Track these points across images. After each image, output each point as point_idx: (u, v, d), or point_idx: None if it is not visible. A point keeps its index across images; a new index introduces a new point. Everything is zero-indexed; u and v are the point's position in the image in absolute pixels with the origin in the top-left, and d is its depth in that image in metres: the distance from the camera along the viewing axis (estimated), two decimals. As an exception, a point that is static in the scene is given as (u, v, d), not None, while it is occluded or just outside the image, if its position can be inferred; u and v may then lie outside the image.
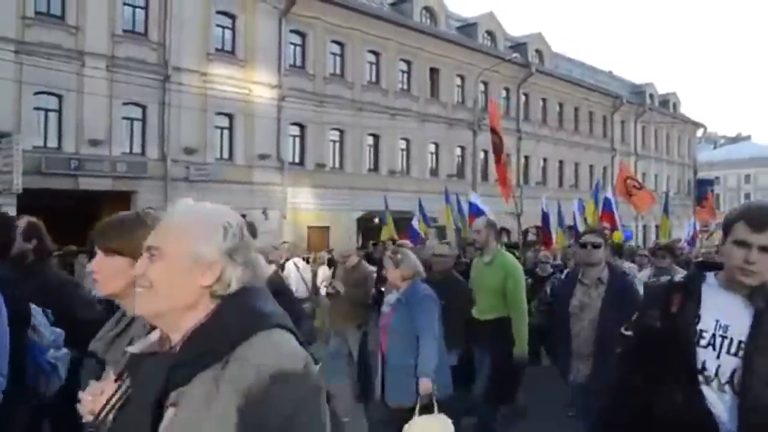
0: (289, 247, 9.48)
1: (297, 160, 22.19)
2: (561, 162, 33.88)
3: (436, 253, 5.69)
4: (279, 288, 4.73)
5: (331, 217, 22.13)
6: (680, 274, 6.12)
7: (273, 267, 4.89)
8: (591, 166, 35.27)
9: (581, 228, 13.12)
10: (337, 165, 23.48)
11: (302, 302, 7.56)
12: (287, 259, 8.49)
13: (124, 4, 17.79)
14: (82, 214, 14.74)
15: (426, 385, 3.80)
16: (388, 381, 4.00)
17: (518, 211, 12.14)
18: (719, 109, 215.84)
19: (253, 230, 7.50)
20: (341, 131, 23.43)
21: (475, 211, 14.08)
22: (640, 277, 6.22)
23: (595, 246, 4.03)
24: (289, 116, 21.55)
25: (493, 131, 11.18)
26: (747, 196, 61.54)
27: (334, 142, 23.41)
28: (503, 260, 5.17)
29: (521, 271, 5.22)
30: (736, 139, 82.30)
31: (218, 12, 19.74)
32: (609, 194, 12.99)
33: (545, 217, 13.78)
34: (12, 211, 15.63)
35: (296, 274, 7.87)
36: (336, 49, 23.32)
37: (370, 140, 24.57)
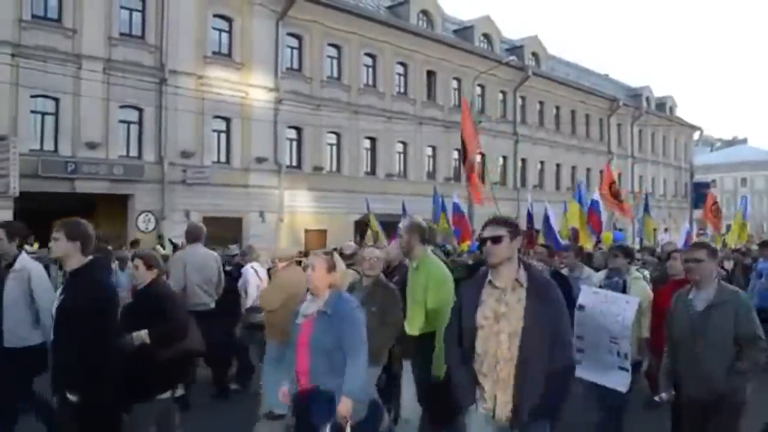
0: (245, 250, 8.35)
1: (294, 163, 22.18)
2: (558, 165, 33.93)
3: (362, 256, 5.20)
4: (159, 295, 4.36)
5: (329, 220, 22.12)
6: (636, 275, 5.72)
7: (155, 272, 4.38)
8: (588, 169, 35.30)
9: (557, 228, 13.13)
10: (334, 168, 23.48)
11: (260, 310, 7.15)
12: (240, 266, 7.74)
13: (121, 7, 17.78)
14: (79, 217, 14.71)
15: (346, 405, 3.33)
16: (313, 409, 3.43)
17: (515, 215, 12.13)
18: (716, 112, 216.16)
19: (196, 234, 7.06)
20: (338, 134, 23.43)
21: (457, 212, 14.07)
22: (598, 277, 5.70)
23: (494, 240, 3.03)
24: (286, 119, 21.55)
25: (465, 138, 11.12)
26: (743, 199, 61.56)
27: (331, 145, 23.42)
28: (428, 268, 4.55)
29: (445, 282, 4.52)
30: (732, 142, 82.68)
31: (215, 15, 19.77)
32: (596, 196, 12.97)
33: (530, 218, 13.78)
34: (8, 215, 15.64)
35: (255, 279, 7.18)
36: (333, 52, 23.34)
37: (367, 143, 24.58)
